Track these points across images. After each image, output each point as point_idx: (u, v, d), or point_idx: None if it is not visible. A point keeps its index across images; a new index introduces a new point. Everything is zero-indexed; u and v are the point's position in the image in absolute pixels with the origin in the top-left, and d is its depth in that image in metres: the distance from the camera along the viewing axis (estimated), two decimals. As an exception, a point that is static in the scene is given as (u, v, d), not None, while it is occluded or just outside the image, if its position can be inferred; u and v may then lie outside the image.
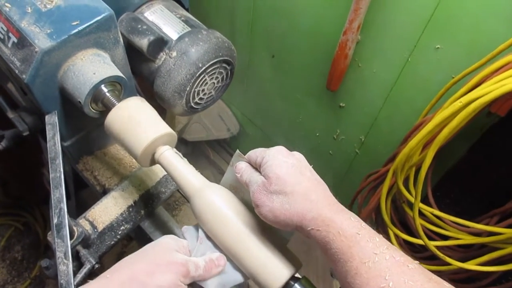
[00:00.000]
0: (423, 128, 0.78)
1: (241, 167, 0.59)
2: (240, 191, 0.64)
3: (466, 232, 1.08)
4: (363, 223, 0.48)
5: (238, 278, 0.60)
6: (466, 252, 1.11)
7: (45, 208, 2.07)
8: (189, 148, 2.07)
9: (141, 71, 0.88)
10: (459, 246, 1.10)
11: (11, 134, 0.86)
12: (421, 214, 1.03)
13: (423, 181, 0.86)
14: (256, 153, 0.57)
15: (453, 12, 0.87)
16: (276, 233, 0.60)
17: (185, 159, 0.68)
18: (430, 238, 1.09)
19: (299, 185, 0.51)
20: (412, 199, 0.95)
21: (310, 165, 0.56)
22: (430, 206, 1.09)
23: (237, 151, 0.62)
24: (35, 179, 1.68)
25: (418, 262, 0.44)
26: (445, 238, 1.11)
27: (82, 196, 1.40)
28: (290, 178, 0.51)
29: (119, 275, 0.52)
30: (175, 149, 0.81)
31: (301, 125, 1.56)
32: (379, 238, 0.46)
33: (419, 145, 0.82)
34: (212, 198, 0.61)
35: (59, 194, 0.66)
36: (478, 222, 1.05)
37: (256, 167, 0.57)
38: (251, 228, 0.59)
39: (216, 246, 0.61)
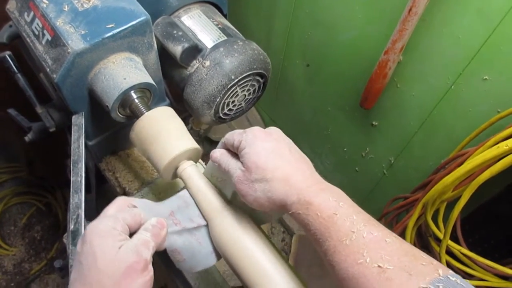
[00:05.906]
0: (462, 166, 0.73)
1: (216, 156, 0.59)
2: (221, 179, 0.64)
3: (493, 274, 1.02)
4: (342, 202, 0.48)
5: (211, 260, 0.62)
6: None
7: (67, 191, 2.11)
8: (213, 147, 2.05)
9: (173, 76, 0.86)
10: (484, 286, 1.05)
11: (38, 127, 0.86)
12: (449, 249, 0.98)
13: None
14: (234, 136, 0.57)
15: (505, 45, 0.81)
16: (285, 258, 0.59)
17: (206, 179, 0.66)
18: (454, 275, 1.03)
19: (278, 170, 0.51)
20: (440, 236, 0.90)
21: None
22: (458, 241, 1.04)
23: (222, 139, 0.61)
24: (59, 162, 1.70)
25: (396, 235, 0.45)
26: (470, 275, 1.05)
27: (103, 188, 1.41)
28: (269, 165, 0.51)
29: None
30: (201, 161, 0.79)
31: (329, 138, 1.51)
32: (356, 216, 0.46)
33: (454, 183, 0.77)
34: (232, 222, 0.60)
35: (78, 200, 0.65)
36: (505, 264, 0.99)
37: (234, 151, 0.57)
38: (268, 254, 0.57)
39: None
